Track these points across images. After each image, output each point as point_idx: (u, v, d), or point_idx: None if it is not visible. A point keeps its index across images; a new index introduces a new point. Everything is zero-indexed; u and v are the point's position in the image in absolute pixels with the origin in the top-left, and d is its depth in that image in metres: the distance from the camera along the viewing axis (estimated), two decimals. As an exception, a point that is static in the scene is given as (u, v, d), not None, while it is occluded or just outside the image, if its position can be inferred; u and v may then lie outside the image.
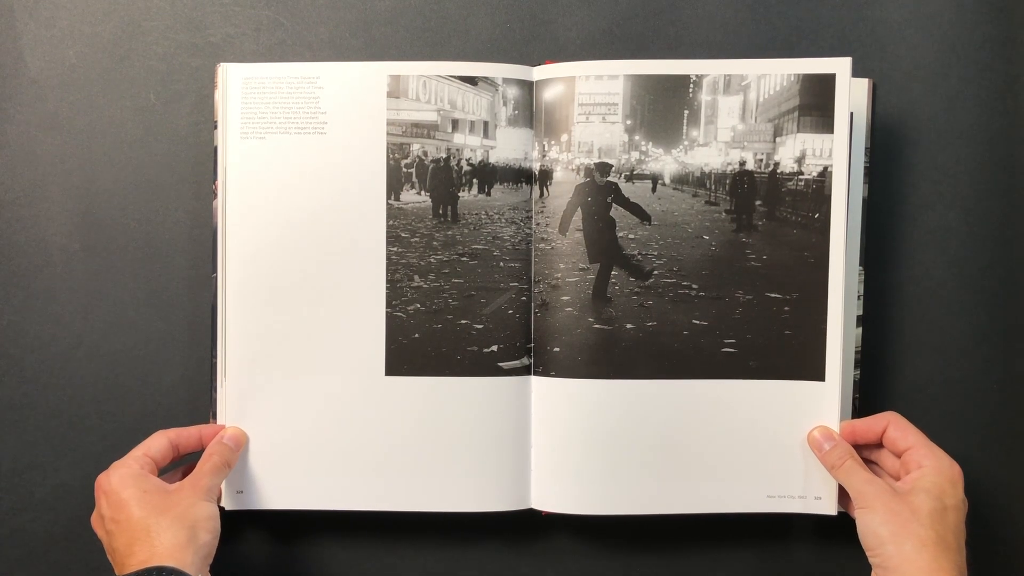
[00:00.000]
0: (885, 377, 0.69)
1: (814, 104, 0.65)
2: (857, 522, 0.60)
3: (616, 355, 0.65)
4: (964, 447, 0.69)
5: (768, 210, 0.65)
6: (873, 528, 0.58)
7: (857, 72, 0.68)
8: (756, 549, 0.69)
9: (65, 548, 0.68)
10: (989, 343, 0.70)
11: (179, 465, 0.66)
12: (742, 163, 0.66)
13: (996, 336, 0.70)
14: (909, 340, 0.70)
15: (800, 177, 0.65)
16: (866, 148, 0.69)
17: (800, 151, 0.65)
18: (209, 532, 0.58)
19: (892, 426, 0.63)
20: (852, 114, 0.67)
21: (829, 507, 0.65)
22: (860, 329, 0.69)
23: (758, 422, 0.65)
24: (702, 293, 0.66)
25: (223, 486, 0.65)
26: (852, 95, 0.67)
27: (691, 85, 0.65)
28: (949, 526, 0.58)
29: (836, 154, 0.64)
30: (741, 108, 0.66)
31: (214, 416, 0.66)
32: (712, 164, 0.66)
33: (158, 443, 0.63)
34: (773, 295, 0.66)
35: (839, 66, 0.64)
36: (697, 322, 0.66)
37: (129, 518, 0.58)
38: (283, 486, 0.66)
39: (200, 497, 0.59)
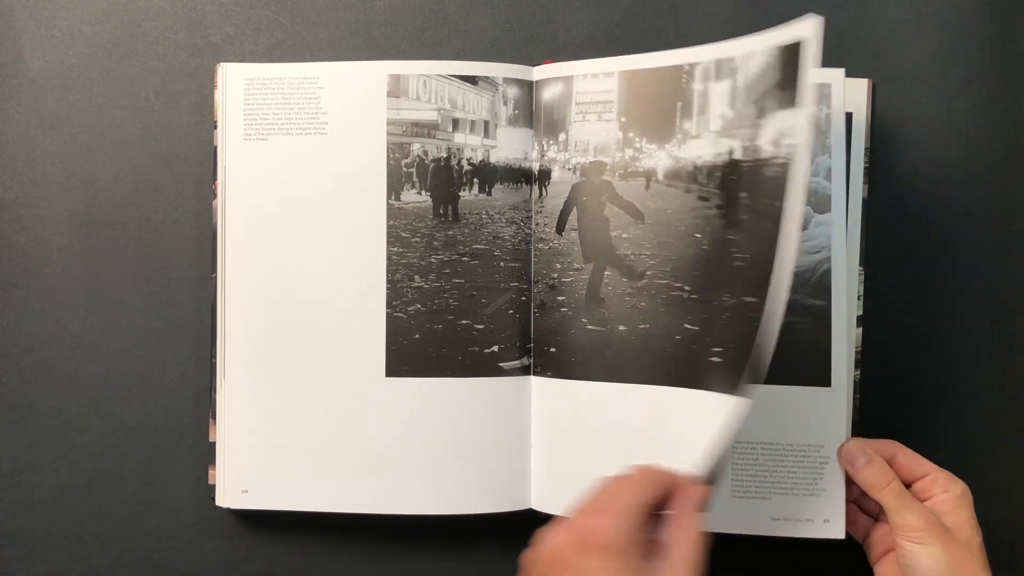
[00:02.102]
0: (885, 377, 0.69)
1: (792, 77, 0.57)
2: (906, 555, 0.57)
3: (608, 357, 0.64)
4: (964, 448, 0.69)
5: (751, 203, 0.60)
6: (931, 567, 0.56)
7: (857, 72, 0.69)
8: (756, 548, 0.69)
9: (65, 548, 0.68)
10: (989, 343, 0.70)
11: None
12: (731, 152, 0.63)
13: (996, 336, 0.70)
14: (909, 340, 0.70)
15: (776, 160, 0.58)
16: (866, 148, 0.69)
17: (777, 131, 0.59)
18: None
19: (902, 453, 0.60)
20: (851, 114, 0.67)
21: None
22: (860, 329, 0.69)
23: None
24: (693, 295, 0.64)
25: (227, 483, 0.65)
26: (851, 95, 0.67)
27: (684, 76, 0.64)
28: (986, 559, 0.58)
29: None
30: (731, 93, 0.63)
31: (213, 416, 0.66)
32: (704, 156, 0.64)
33: (641, 520, 0.48)
34: (749, 299, 0.59)
35: (809, 30, 0.55)
36: (688, 327, 0.63)
37: None
38: (283, 487, 0.66)
39: None
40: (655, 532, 0.49)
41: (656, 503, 0.49)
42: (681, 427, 0.63)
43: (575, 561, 0.46)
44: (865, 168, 0.69)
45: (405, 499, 0.65)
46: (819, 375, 0.63)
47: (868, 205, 0.69)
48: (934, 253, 0.70)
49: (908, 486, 0.60)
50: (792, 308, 0.63)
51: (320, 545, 0.69)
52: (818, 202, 0.64)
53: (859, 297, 0.68)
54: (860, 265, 0.68)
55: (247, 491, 0.66)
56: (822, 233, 0.64)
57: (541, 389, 0.66)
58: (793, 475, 0.62)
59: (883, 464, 0.59)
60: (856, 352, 0.68)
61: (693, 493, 0.50)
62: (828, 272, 0.63)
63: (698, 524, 0.48)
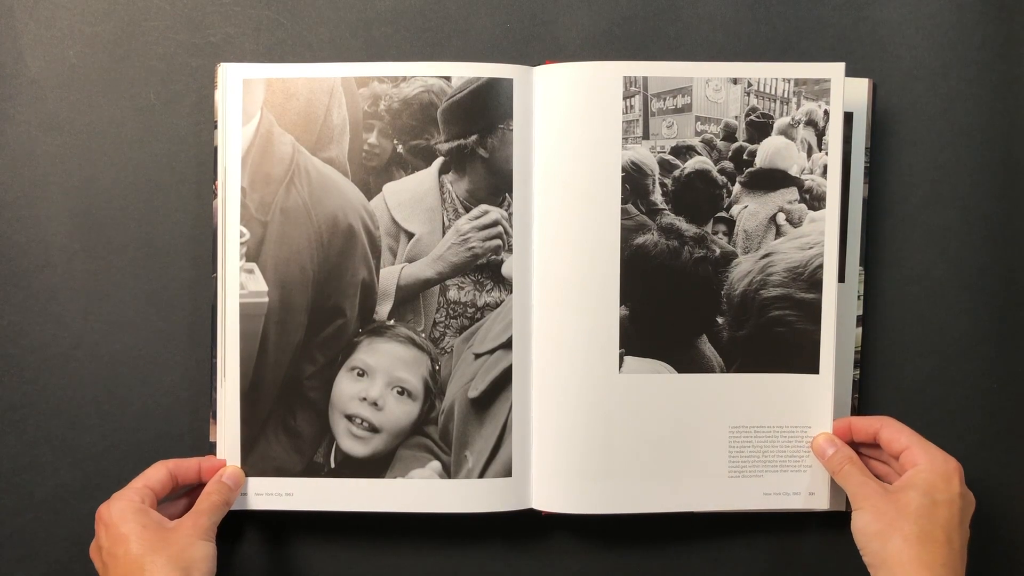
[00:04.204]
0: (885, 377, 0.69)
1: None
2: (851, 523, 0.61)
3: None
4: (964, 447, 0.69)
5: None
6: (862, 527, 0.60)
7: (857, 72, 0.69)
8: (758, 546, 0.69)
9: (65, 548, 0.68)
10: (989, 343, 0.70)
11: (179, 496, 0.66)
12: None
13: (996, 336, 0.70)
14: (909, 340, 0.70)
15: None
16: (866, 148, 0.69)
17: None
18: (203, 573, 0.58)
19: (886, 428, 0.63)
20: (852, 113, 0.67)
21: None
22: (860, 329, 0.69)
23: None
24: None
25: None
26: (852, 95, 0.67)
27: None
28: (938, 521, 0.58)
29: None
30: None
31: (214, 416, 0.66)
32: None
33: (158, 474, 0.63)
34: None
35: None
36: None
37: (127, 553, 0.58)
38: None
39: (198, 536, 0.59)
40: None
41: (173, 479, 0.63)
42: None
43: (110, 537, 0.59)
44: (865, 168, 0.69)
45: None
46: (808, 363, 0.65)
47: (868, 205, 0.69)
48: (934, 253, 0.70)
49: (897, 459, 0.63)
50: (785, 301, 0.65)
51: (319, 544, 0.69)
52: (813, 199, 0.65)
53: (859, 297, 0.68)
54: (860, 265, 0.68)
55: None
56: (816, 230, 0.65)
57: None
58: (783, 454, 0.66)
59: (844, 451, 0.64)
60: (856, 352, 0.68)
61: (223, 473, 0.64)
62: (820, 268, 0.65)
63: (220, 490, 0.63)
